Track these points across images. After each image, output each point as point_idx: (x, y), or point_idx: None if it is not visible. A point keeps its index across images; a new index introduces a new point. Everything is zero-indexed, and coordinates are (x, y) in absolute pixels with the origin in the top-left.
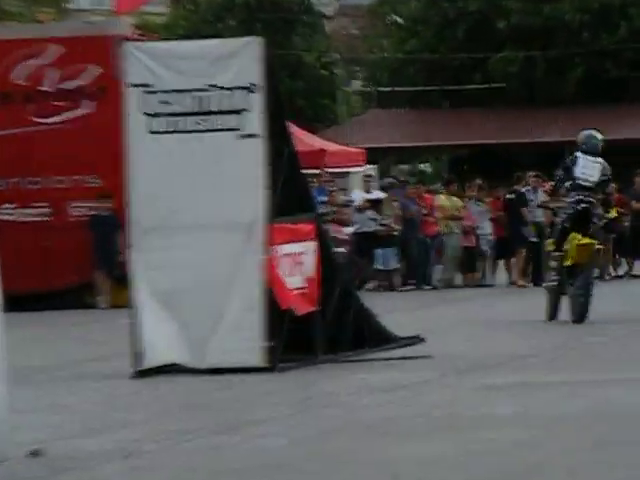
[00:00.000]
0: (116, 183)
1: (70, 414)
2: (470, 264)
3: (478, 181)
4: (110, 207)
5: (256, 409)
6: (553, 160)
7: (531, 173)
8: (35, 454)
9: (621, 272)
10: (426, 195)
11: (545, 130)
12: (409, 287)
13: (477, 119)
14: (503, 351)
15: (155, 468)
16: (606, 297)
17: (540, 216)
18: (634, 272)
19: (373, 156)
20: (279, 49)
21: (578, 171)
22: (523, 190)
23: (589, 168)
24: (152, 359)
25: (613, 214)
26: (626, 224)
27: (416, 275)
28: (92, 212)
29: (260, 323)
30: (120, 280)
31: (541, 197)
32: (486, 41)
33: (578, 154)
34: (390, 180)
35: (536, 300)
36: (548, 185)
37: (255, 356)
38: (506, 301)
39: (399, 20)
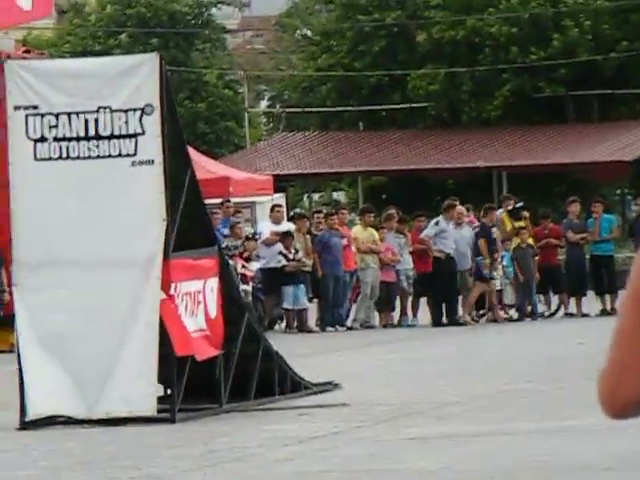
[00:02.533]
0: (0, 215)
1: None
2: (389, 302)
3: (391, 210)
4: None
5: (154, 464)
6: (479, 187)
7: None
8: None
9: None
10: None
11: (471, 154)
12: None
13: (396, 142)
14: (425, 399)
15: None
16: (528, 337)
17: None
18: (569, 310)
19: (282, 184)
20: (177, 66)
21: None
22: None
23: None
24: (39, 410)
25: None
26: (560, 258)
27: (330, 315)
28: None
29: (154, 369)
30: (4, 322)
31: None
32: (405, 57)
33: None
34: (298, 211)
35: (459, 342)
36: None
37: (152, 405)
38: (428, 344)
39: (309, 34)
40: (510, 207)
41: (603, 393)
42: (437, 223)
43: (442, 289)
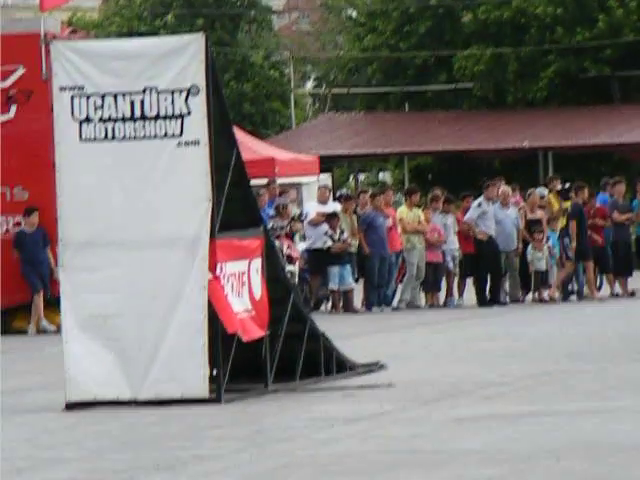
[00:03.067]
0: (45, 196)
1: None
2: (435, 282)
3: (436, 191)
4: (36, 222)
5: (200, 445)
6: (525, 167)
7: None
8: None
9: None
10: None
11: (517, 135)
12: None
13: (442, 123)
14: (471, 379)
15: None
16: (573, 318)
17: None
18: (615, 291)
19: (327, 164)
20: (223, 47)
21: None
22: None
23: None
24: (85, 391)
25: None
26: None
27: (376, 295)
28: (18, 229)
29: (204, 350)
30: (53, 303)
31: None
32: (451, 37)
33: None
34: (344, 192)
35: (504, 322)
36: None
37: (199, 386)
38: (474, 324)
39: (355, 15)
40: (559, 187)
41: None
42: (479, 205)
43: (485, 270)
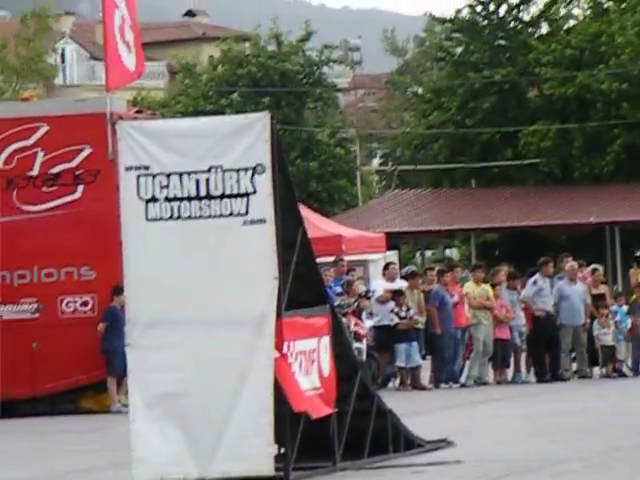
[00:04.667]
0: (112, 275)
1: None
2: (503, 358)
3: (504, 266)
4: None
5: None
6: (592, 242)
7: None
8: None
9: None
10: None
11: (583, 210)
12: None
13: (508, 199)
14: (539, 456)
15: None
16: None
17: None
18: None
19: (394, 241)
20: (289, 125)
21: None
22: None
23: None
24: (152, 470)
25: None
26: None
27: (444, 372)
28: (109, 306)
29: (270, 428)
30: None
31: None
32: (516, 113)
33: None
34: (411, 268)
35: (573, 398)
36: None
37: (265, 464)
38: (543, 400)
39: (420, 91)
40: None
41: None
42: (535, 282)
43: (543, 346)
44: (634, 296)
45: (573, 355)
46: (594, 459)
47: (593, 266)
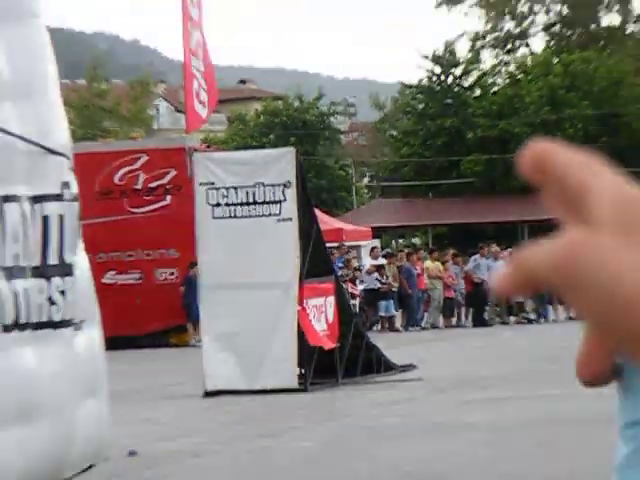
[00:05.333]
0: (190, 255)
1: (154, 424)
2: (450, 311)
3: (451, 250)
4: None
5: (292, 419)
6: (510, 234)
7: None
8: (132, 454)
9: None
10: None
11: (504, 212)
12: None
13: (454, 205)
14: (472, 375)
15: (219, 465)
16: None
17: None
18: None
19: (378, 233)
20: (307, 156)
21: None
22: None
23: None
24: (217, 383)
25: None
26: None
27: (411, 320)
28: (187, 275)
29: (295, 356)
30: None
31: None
32: (459, 148)
33: None
34: (389, 251)
35: (495, 337)
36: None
37: (292, 380)
38: (475, 339)
39: (395, 134)
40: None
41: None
42: (475, 260)
43: (477, 302)
44: None
45: (497, 308)
46: (508, 377)
47: (510, 250)
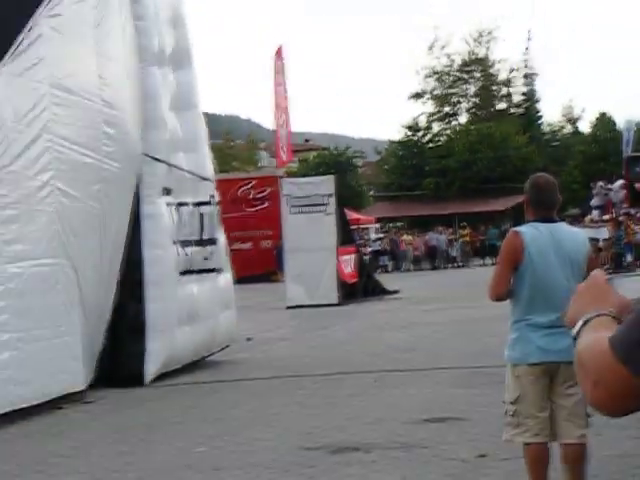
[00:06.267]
0: (278, 234)
1: (260, 324)
2: (416, 262)
3: (416, 230)
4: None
5: (334, 320)
6: (448, 221)
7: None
8: (249, 339)
9: None
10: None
11: (444, 208)
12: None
13: (417, 205)
14: (430, 295)
15: (296, 344)
16: None
17: None
18: None
19: (378, 220)
20: (340, 180)
21: None
22: None
23: None
24: (292, 300)
25: None
26: None
27: (399, 266)
28: (277, 244)
29: (335, 285)
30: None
31: None
32: (421, 174)
33: None
34: (384, 230)
35: (444, 274)
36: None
37: (334, 299)
38: (431, 276)
39: (387, 167)
40: None
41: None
42: (429, 235)
43: (432, 257)
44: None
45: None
46: (446, 297)
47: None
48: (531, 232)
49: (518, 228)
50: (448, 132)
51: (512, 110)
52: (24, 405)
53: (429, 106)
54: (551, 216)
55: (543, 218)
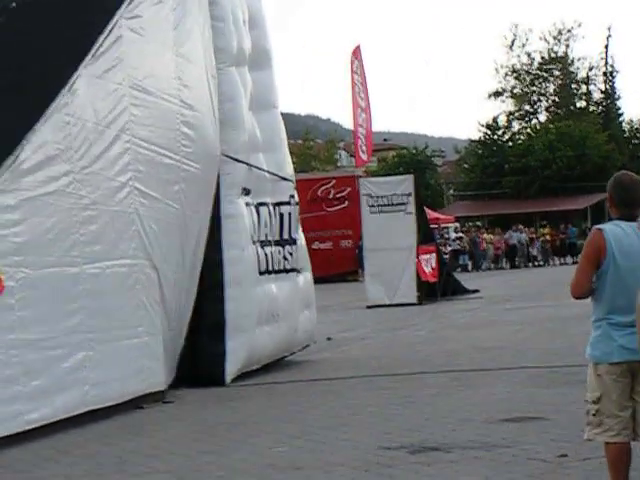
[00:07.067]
0: (358, 234)
1: (338, 324)
2: (497, 261)
3: (497, 228)
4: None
5: (413, 319)
6: (529, 221)
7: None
8: (329, 339)
9: None
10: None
11: (524, 207)
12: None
13: (498, 203)
14: (510, 294)
15: (375, 343)
16: None
17: None
18: None
19: (457, 219)
20: (420, 181)
21: None
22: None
23: None
24: (372, 300)
25: None
26: None
27: (476, 266)
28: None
29: (414, 285)
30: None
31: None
32: (500, 173)
33: None
34: (463, 229)
35: (522, 274)
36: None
37: (413, 298)
38: (512, 275)
39: (466, 166)
40: None
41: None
42: (509, 233)
43: (512, 256)
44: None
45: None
46: (529, 295)
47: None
48: (614, 230)
49: (601, 226)
50: (528, 130)
51: (592, 108)
52: (99, 406)
53: (508, 104)
54: (635, 214)
55: (627, 216)
